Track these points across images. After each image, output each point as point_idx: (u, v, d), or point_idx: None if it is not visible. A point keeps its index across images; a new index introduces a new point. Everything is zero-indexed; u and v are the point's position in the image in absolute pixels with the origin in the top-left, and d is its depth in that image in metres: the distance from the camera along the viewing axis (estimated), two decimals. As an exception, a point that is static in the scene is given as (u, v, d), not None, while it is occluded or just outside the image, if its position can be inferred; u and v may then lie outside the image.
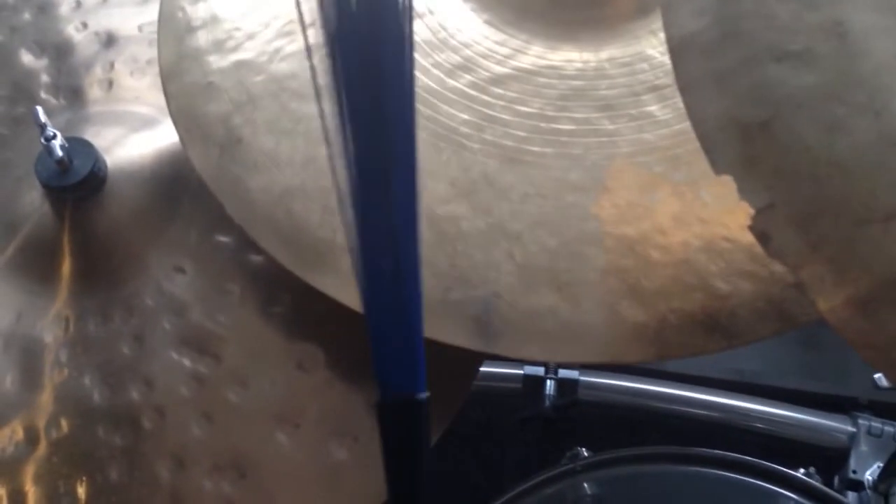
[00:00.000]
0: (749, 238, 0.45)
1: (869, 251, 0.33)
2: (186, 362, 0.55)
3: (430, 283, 0.48)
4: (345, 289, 0.49)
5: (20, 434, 0.54)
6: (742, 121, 0.35)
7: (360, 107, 0.34)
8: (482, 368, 0.55)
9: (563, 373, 0.77)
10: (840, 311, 0.33)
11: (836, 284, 0.33)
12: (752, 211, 0.35)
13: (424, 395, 0.37)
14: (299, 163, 0.51)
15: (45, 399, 0.55)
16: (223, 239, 0.58)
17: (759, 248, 0.45)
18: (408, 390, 0.37)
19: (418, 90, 0.51)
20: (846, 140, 0.34)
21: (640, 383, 0.79)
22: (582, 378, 0.77)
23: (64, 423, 0.54)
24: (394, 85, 0.34)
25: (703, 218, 0.47)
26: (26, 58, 0.67)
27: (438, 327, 0.47)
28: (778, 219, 0.34)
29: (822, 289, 0.34)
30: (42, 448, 0.54)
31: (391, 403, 0.37)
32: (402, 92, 0.34)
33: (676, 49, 0.37)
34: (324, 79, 0.34)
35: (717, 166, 0.35)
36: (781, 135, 0.34)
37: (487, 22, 0.54)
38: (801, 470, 0.64)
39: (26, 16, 0.69)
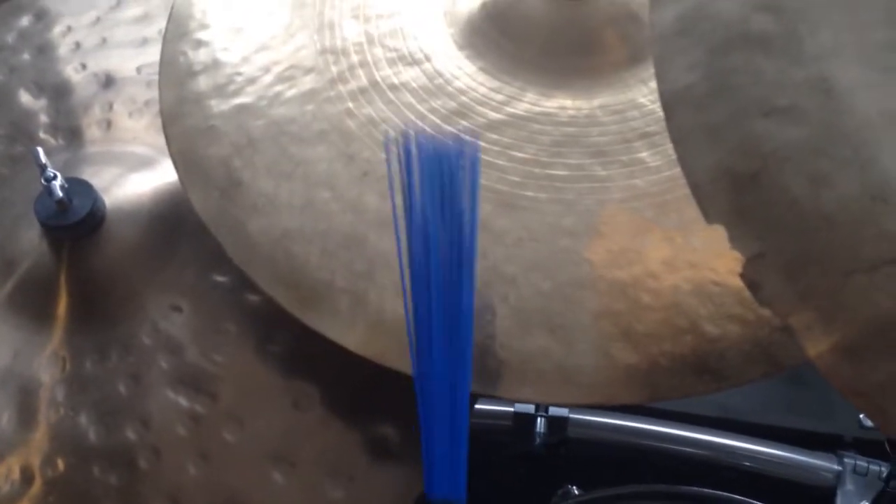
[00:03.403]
0: (737, 282, 0.47)
1: (855, 300, 0.34)
2: (183, 401, 0.55)
3: (427, 325, 0.49)
4: (342, 330, 0.50)
5: (16, 473, 0.54)
6: (732, 172, 0.36)
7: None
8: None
9: (553, 411, 0.78)
10: (828, 358, 0.34)
11: (824, 332, 0.34)
12: (742, 259, 0.36)
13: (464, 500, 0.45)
14: (298, 206, 0.52)
15: (41, 438, 0.55)
16: (220, 278, 0.58)
17: (746, 292, 0.46)
18: (452, 496, 0.45)
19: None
20: (832, 193, 0.35)
21: (630, 421, 0.79)
22: (572, 416, 0.78)
23: (59, 463, 0.54)
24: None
25: (692, 262, 0.49)
26: (25, 98, 0.68)
27: (434, 369, 0.48)
28: (768, 268, 0.35)
29: (810, 336, 0.35)
30: (37, 487, 0.54)
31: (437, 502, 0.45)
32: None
33: (669, 102, 0.39)
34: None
35: (709, 216, 0.37)
36: (770, 187, 0.36)
37: (482, 69, 0.56)
38: (789, 509, 0.65)
39: (25, 56, 0.70)
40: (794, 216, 0.35)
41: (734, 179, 0.36)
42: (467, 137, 0.46)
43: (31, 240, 0.60)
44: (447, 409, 0.45)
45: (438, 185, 0.44)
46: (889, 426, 0.34)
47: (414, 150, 0.44)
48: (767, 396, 0.87)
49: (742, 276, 0.36)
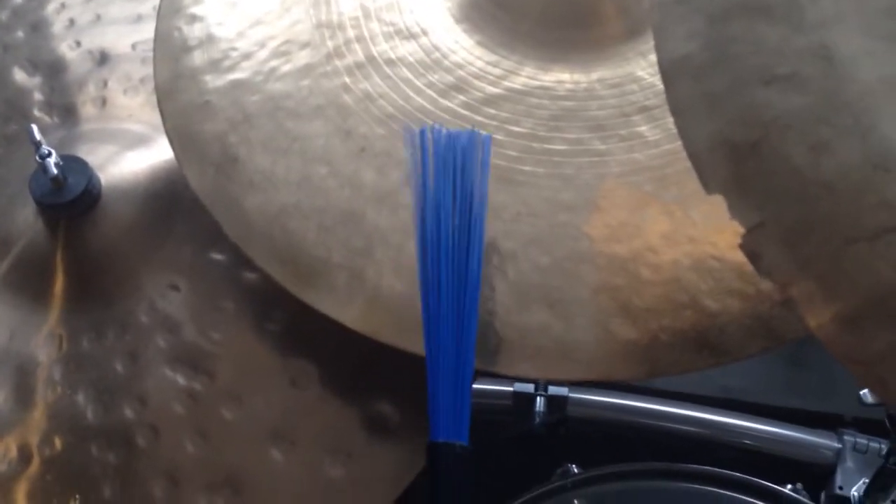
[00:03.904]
0: (737, 256, 0.46)
1: (856, 269, 0.34)
2: (180, 380, 0.55)
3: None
4: (339, 306, 0.49)
5: (13, 452, 0.54)
6: (732, 142, 0.36)
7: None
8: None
9: (552, 390, 0.77)
10: (828, 328, 0.34)
11: (825, 302, 0.34)
12: (742, 230, 0.35)
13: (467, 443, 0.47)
14: (295, 181, 0.52)
15: (39, 417, 0.55)
16: (217, 256, 0.58)
17: (747, 267, 0.46)
18: (455, 438, 0.46)
19: (413, 111, 0.52)
20: (832, 161, 0.34)
21: (629, 400, 0.79)
22: (571, 395, 0.78)
23: (57, 441, 0.54)
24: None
25: (692, 236, 0.48)
26: (19, 76, 0.68)
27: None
28: (768, 238, 0.35)
29: (811, 306, 0.34)
30: (35, 466, 0.54)
31: (440, 445, 0.46)
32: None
33: (668, 72, 0.38)
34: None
35: (709, 186, 0.36)
36: (770, 156, 0.35)
37: (480, 43, 0.55)
38: (789, 486, 0.64)
39: (20, 34, 0.70)
40: (795, 185, 0.35)
41: (734, 149, 0.36)
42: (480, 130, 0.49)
43: (26, 219, 0.59)
44: (453, 357, 0.46)
45: (451, 170, 0.47)
46: (889, 396, 0.34)
47: (430, 137, 0.48)
48: (768, 377, 0.87)
49: (742, 246, 0.35)
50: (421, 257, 0.47)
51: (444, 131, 0.48)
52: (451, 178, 0.47)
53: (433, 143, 0.48)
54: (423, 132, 0.48)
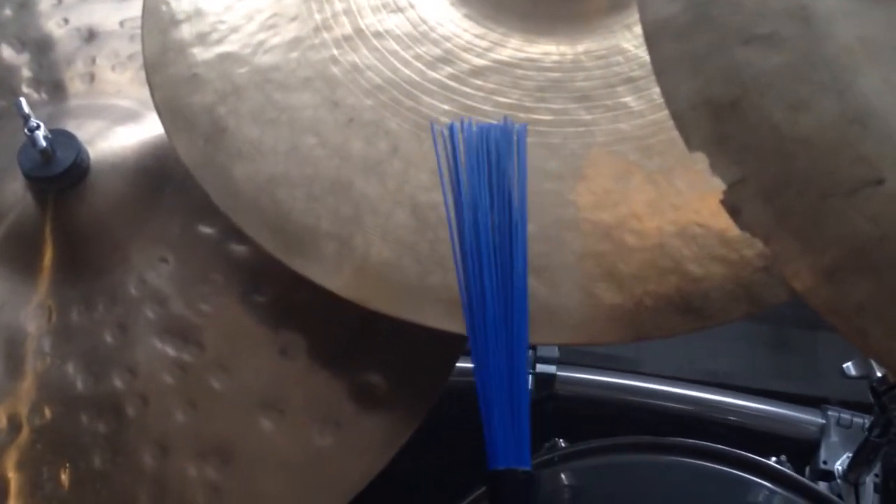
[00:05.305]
0: (720, 223, 0.47)
1: (833, 223, 0.34)
2: (170, 350, 0.55)
3: (412, 268, 0.49)
4: (328, 274, 0.50)
5: (3, 421, 0.54)
6: (713, 100, 0.37)
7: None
8: (459, 364, 0.55)
9: (540, 368, 0.78)
10: (807, 281, 0.35)
11: (803, 255, 0.35)
12: (723, 186, 0.36)
13: (529, 468, 0.43)
14: (283, 151, 0.52)
15: (28, 387, 0.55)
16: (205, 230, 0.58)
17: (730, 233, 0.47)
18: (516, 463, 0.43)
19: (401, 82, 0.53)
20: (810, 118, 0.35)
21: (616, 378, 0.80)
22: (559, 373, 0.78)
23: (47, 411, 0.54)
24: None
25: (676, 204, 0.49)
26: (7, 53, 0.68)
27: (419, 310, 0.49)
28: (747, 193, 0.36)
29: (789, 259, 0.35)
30: (25, 435, 0.54)
31: (502, 473, 0.43)
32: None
33: (651, 34, 0.39)
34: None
35: (691, 144, 0.37)
36: (750, 113, 0.36)
37: (467, 16, 0.56)
38: (774, 458, 0.65)
39: (7, 11, 0.70)
40: (774, 141, 0.35)
41: (715, 107, 0.37)
42: (513, 122, 0.47)
43: (15, 192, 0.59)
44: (505, 379, 0.44)
45: (486, 165, 0.45)
46: (869, 347, 0.34)
47: (460, 135, 0.45)
48: (756, 362, 0.88)
49: (723, 201, 0.36)
50: (461, 266, 0.44)
51: (474, 126, 0.45)
52: (486, 175, 0.44)
53: (464, 140, 0.45)
54: (452, 128, 0.45)
